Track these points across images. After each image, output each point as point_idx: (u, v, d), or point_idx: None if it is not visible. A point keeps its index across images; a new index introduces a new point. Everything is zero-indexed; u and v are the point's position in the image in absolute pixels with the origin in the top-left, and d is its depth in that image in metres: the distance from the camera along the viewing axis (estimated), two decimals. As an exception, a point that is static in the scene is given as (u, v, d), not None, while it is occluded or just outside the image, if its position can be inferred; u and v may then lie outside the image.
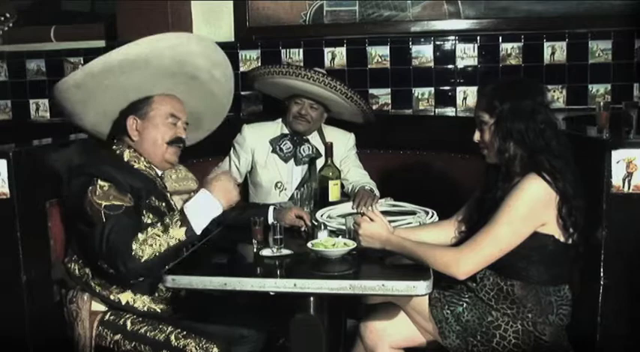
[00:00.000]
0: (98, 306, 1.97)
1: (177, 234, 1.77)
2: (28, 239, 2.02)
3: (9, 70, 3.65)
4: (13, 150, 2.03)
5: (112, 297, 1.95)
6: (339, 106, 2.77)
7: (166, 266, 1.81)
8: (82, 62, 3.56)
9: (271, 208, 2.29)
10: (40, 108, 3.64)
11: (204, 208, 1.80)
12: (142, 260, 1.75)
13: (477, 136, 1.89)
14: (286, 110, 2.80)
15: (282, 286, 1.72)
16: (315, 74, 2.64)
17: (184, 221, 1.77)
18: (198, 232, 1.78)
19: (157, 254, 1.76)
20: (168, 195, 2.07)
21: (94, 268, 1.93)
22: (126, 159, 1.99)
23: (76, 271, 1.99)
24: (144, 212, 1.91)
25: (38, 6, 3.67)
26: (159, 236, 1.76)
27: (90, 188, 1.83)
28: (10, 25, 3.14)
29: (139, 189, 1.90)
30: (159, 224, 1.79)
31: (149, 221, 1.91)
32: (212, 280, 1.75)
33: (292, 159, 2.79)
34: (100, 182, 1.84)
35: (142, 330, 1.91)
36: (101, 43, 3.53)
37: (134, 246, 1.75)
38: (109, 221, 1.79)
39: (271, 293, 1.73)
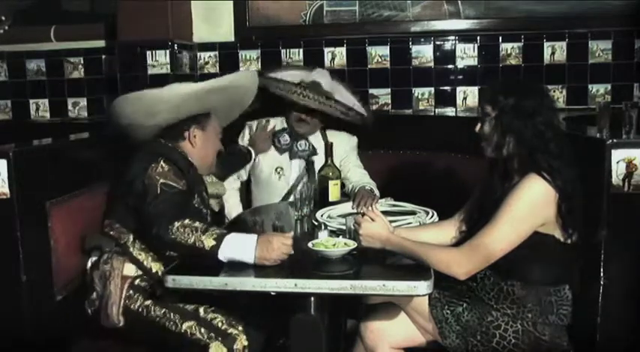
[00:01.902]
0: (130, 271, 2.05)
1: (206, 242, 1.82)
2: (28, 239, 2.02)
3: (9, 70, 3.66)
4: (13, 150, 2.03)
5: (145, 263, 2.05)
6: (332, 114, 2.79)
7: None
8: (81, 62, 3.57)
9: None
10: (40, 108, 3.65)
11: (240, 247, 1.82)
12: (171, 236, 1.85)
13: (477, 127, 1.89)
14: (289, 108, 2.82)
15: (282, 286, 1.72)
16: (311, 92, 2.68)
17: (219, 240, 1.82)
18: (220, 257, 1.82)
19: (182, 242, 1.84)
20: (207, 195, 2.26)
21: (136, 235, 2.07)
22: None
23: (117, 236, 2.08)
24: (195, 196, 2.10)
25: (38, 6, 3.67)
26: (196, 231, 1.84)
27: (152, 165, 2.00)
28: (6, 27, 3.15)
29: (192, 178, 2.10)
30: (205, 225, 1.87)
31: (197, 205, 2.12)
32: (212, 280, 1.75)
33: (288, 153, 2.83)
34: (162, 163, 2.01)
35: (173, 298, 1.98)
36: (101, 43, 3.53)
37: (176, 223, 1.85)
38: (161, 195, 1.95)
39: (272, 294, 1.73)
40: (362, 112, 2.84)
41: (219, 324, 1.92)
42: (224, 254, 1.81)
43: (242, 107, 2.45)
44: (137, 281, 2.05)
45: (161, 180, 1.97)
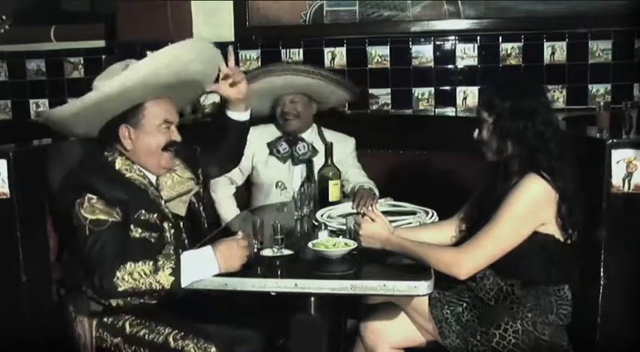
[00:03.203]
0: (96, 306, 1.96)
1: (164, 280, 1.74)
2: (28, 239, 2.02)
3: (9, 70, 3.66)
4: (13, 150, 2.04)
5: (102, 300, 1.94)
6: (317, 90, 2.76)
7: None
8: (81, 62, 3.57)
9: (229, 112, 2.22)
10: (40, 109, 3.64)
11: (200, 265, 1.77)
12: (119, 289, 1.74)
13: (476, 133, 1.89)
14: (274, 107, 2.81)
15: (283, 286, 1.72)
16: (277, 66, 2.68)
17: (176, 272, 1.74)
18: (184, 285, 1.75)
19: (135, 289, 1.75)
20: (163, 203, 2.00)
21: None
22: (117, 168, 1.95)
23: (72, 272, 1.99)
24: (132, 227, 1.88)
25: (38, 6, 3.67)
26: (146, 275, 1.74)
27: (78, 200, 1.82)
28: (7, 27, 3.14)
29: (127, 202, 1.87)
30: (151, 262, 1.75)
31: (137, 235, 1.88)
32: (212, 280, 1.75)
33: (290, 160, 2.80)
34: (88, 195, 1.82)
35: (141, 333, 1.91)
36: (101, 43, 3.53)
37: (118, 274, 1.73)
38: (91, 236, 1.79)
39: (272, 294, 1.73)
40: (332, 76, 2.77)
41: (191, 350, 1.85)
42: (187, 281, 1.74)
43: (198, 80, 2.07)
44: (105, 318, 1.94)
45: (89, 218, 1.79)
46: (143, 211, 1.90)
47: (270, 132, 2.84)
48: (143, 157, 1.96)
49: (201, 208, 2.17)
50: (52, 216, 2.09)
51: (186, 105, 2.31)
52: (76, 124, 1.95)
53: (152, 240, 1.91)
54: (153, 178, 2.01)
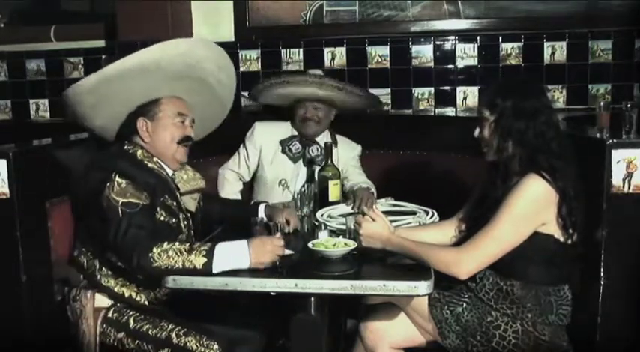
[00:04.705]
0: (102, 302, 1.99)
1: (196, 261, 1.76)
2: (28, 239, 2.02)
3: (9, 70, 3.65)
4: (13, 150, 2.03)
5: (116, 289, 1.99)
6: (341, 100, 2.78)
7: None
8: (81, 62, 3.57)
9: (261, 207, 2.34)
10: (40, 108, 3.64)
11: (233, 256, 1.79)
12: (154, 265, 1.77)
13: (476, 132, 1.89)
14: (293, 115, 2.82)
15: (283, 286, 1.72)
16: (310, 77, 2.70)
17: (209, 255, 1.77)
18: (215, 271, 1.77)
19: (169, 267, 1.77)
20: (179, 195, 2.10)
21: (102, 260, 1.98)
22: (139, 158, 2.03)
23: (84, 264, 2.02)
24: (158, 209, 1.96)
25: (38, 6, 3.67)
26: (181, 253, 1.77)
27: (108, 184, 1.88)
28: (1, 25, 3.15)
29: (155, 186, 1.96)
30: (187, 244, 1.81)
31: (162, 218, 1.97)
32: (213, 280, 1.75)
33: (300, 160, 2.80)
34: (117, 178, 1.89)
35: (144, 328, 1.94)
36: (101, 43, 3.53)
37: (155, 250, 1.77)
38: (125, 217, 1.84)
39: (272, 294, 1.73)
40: (359, 92, 2.80)
41: (194, 347, 1.87)
42: (218, 267, 1.77)
43: (212, 85, 2.19)
44: (110, 314, 1.98)
45: (121, 201, 1.85)
46: (167, 196, 2.00)
47: (281, 131, 2.85)
48: (160, 149, 2.06)
49: (200, 216, 2.25)
50: (73, 205, 2.12)
51: (203, 131, 2.34)
52: (94, 107, 2.01)
53: (173, 225, 2.01)
54: (170, 172, 2.11)
